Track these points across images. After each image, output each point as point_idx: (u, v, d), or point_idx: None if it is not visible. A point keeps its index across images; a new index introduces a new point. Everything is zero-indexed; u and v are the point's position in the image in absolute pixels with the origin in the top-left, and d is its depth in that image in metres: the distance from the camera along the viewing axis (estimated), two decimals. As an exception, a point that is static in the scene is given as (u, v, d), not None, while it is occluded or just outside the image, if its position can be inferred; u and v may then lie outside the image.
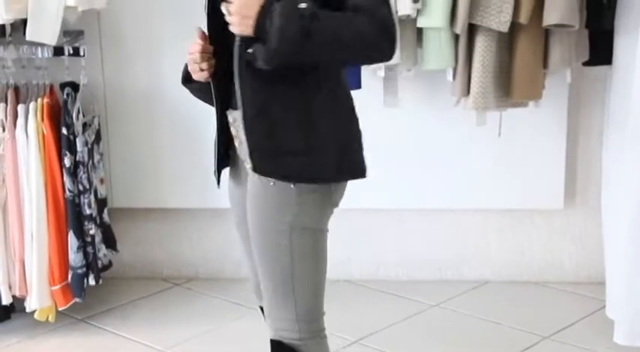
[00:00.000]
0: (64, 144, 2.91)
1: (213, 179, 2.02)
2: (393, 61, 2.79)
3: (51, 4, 2.75)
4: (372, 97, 2.99)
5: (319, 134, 1.84)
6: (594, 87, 3.18)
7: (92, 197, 3.01)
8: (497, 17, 2.72)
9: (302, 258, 1.89)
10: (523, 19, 2.72)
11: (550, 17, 2.70)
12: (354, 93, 2.73)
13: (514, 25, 2.75)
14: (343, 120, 1.90)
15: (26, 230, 2.95)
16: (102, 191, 3.15)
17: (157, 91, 3.24)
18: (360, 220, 3.34)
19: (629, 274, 2.65)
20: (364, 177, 1.92)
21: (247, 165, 1.90)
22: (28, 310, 2.99)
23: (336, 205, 1.95)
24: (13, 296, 3.00)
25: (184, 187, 3.32)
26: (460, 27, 2.75)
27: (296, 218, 1.87)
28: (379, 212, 3.35)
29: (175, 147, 3.29)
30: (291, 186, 1.85)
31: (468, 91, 2.84)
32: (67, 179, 2.92)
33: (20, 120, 2.89)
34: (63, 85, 2.98)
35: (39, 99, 2.91)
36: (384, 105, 3.03)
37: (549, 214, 3.34)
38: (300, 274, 1.90)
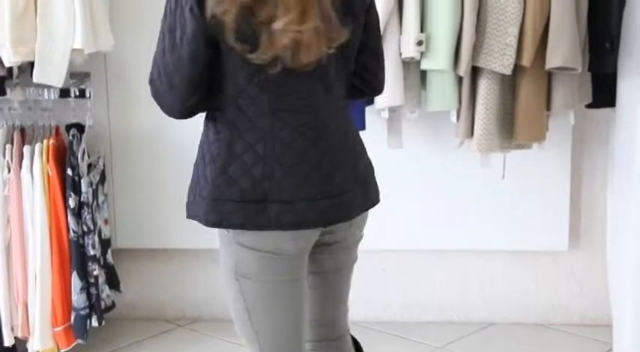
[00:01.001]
0: (68, 185, 2.92)
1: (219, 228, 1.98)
2: (397, 103, 2.82)
3: (58, 47, 2.78)
4: (376, 138, 2.97)
5: (205, 178, 1.86)
6: (598, 129, 3.19)
7: (96, 238, 3.01)
8: (501, 60, 2.73)
9: (255, 308, 1.87)
10: (526, 62, 2.73)
11: (553, 60, 2.71)
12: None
13: (517, 68, 2.77)
14: (218, 164, 1.84)
15: (30, 271, 2.94)
16: (106, 231, 3.15)
17: (161, 133, 3.25)
18: (364, 262, 3.30)
19: (637, 317, 2.63)
20: (215, 226, 1.86)
21: None
22: (30, 352, 2.98)
23: (277, 253, 1.84)
24: (16, 338, 2.99)
25: (188, 228, 3.27)
26: (464, 69, 2.76)
27: (238, 265, 1.85)
28: (384, 253, 3.34)
29: (179, 188, 3.26)
30: (225, 231, 1.86)
31: (471, 133, 2.85)
32: (71, 220, 2.93)
33: (26, 162, 2.90)
34: (69, 127, 2.99)
35: (45, 141, 2.92)
36: (388, 147, 3.03)
37: (554, 255, 3.33)
38: (258, 324, 1.88)
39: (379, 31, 2.01)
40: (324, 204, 1.83)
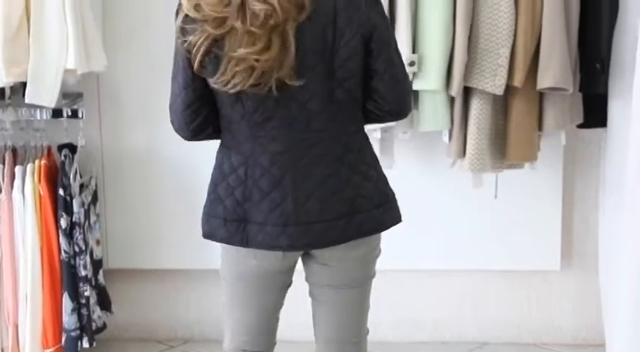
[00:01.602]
0: (60, 205, 2.91)
1: (209, 240, 2.06)
2: (389, 123, 2.82)
3: (50, 68, 2.78)
4: (369, 159, 3.00)
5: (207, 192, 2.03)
6: (589, 149, 3.20)
7: (88, 258, 2.99)
8: (492, 80, 2.75)
9: (229, 304, 2.13)
10: (517, 82, 2.75)
11: (544, 81, 2.73)
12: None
13: (509, 88, 2.78)
14: (212, 180, 2.01)
15: (20, 292, 2.93)
16: (97, 252, 3.13)
17: (154, 153, 3.25)
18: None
19: (630, 337, 2.63)
20: (206, 238, 2.03)
21: None
22: (20, 373, 2.96)
23: (250, 267, 2.02)
24: (6, 360, 2.97)
25: (180, 248, 3.31)
26: (455, 90, 2.77)
27: (222, 269, 2.10)
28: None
29: (171, 208, 3.29)
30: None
31: (464, 153, 2.86)
32: (62, 240, 2.92)
33: (17, 182, 2.89)
34: (61, 147, 2.99)
35: (36, 161, 2.92)
36: (381, 167, 3.03)
37: (546, 275, 3.33)
38: (228, 318, 2.14)
39: (392, 57, 1.97)
40: (293, 231, 1.93)
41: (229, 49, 1.82)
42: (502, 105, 2.86)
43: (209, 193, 2.01)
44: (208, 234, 2.01)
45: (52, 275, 2.93)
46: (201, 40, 1.83)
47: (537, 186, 3.19)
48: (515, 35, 2.73)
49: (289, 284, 2.13)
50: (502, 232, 3.23)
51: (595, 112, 2.87)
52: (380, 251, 2.12)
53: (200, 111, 1.96)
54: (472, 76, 2.77)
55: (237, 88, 1.84)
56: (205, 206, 2.02)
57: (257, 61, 1.80)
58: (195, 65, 1.87)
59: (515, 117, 2.82)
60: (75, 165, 2.97)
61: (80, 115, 2.99)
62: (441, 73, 2.76)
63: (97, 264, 3.12)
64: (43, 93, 2.80)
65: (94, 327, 3.05)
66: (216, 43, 1.83)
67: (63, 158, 2.96)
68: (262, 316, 2.11)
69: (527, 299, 3.36)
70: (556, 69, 2.71)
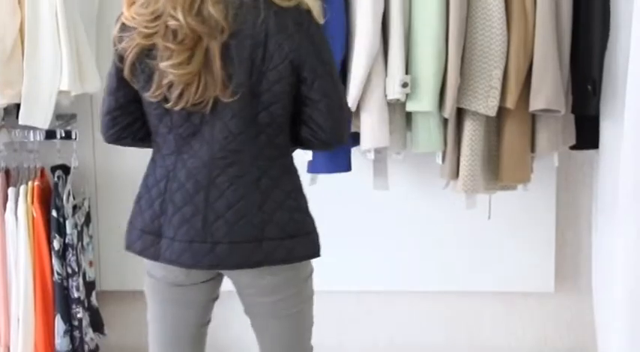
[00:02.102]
0: (53, 226, 2.91)
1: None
2: (382, 144, 2.83)
3: (44, 89, 2.79)
4: (362, 180, 3.01)
5: None
6: (582, 170, 3.21)
7: (80, 280, 2.98)
8: (485, 102, 2.76)
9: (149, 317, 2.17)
10: (510, 104, 2.76)
11: (536, 102, 2.74)
12: (343, 175, 2.76)
13: (501, 110, 2.79)
14: (138, 191, 2.05)
15: (12, 314, 2.91)
16: (90, 274, 3.12)
17: (147, 174, 3.24)
18: (350, 303, 3.31)
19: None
20: (128, 250, 2.07)
21: None
22: (12, 396, 2.94)
23: (152, 276, 2.08)
24: (-3, 382, 2.95)
25: (174, 270, 3.29)
26: (449, 111, 2.78)
27: (144, 282, 2.13)
28: (369, 294, 3.33)
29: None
30: None
31: (457, 174, 2.86)
32: (55, 262, 2.91)
33: (10, 204, 2.89)
34: (54, 168, 2.99)
35: (29, 182, 2.92)
36: (374, 188, 3.04)
37: (540, 297, 3.32)
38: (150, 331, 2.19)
39: (327, 87, 1.95)
40: (197, 248, 1.93)
41: (157, 61, 1.87)
42: (495, 126, 2.87)
43: (134, 204, 2.05)
44: (127, 245, 2.05)
45: (44, 297, 2.92)
46: (130, 48, 1.88)
47: (531, 208, 3.19)
48: (507, 57, 2.74)
49: (214, 299, 2.13)
50: (495, 253, 3.23)
51: (587, 134, 2.88)
52: (306, 280, 2.06)
53: (119, 121, 2.01)
54: (465, 97, 2.78)
55: (180, 106, 1.88)
56: (130, 217, 2.05)
57: (175, 75, 1.85)
58: (125, 71, 1.92)
59: (508, 138, 2.83)
60: (68, 186, 2.97)
61: (74, 136, 2.99)
62: (434, 94, 2.77)
63: (89, 286, 3.10)
64: (37, 115, 2.81)
65: (86, 349, 3.03)
66: (149, 53, 1.88)
67: (56, 179, 2.95)
68: (181, 331, 2.10)
69: (520, 321, 3.36)
70: (548, 90, 2.72)
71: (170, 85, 1.87)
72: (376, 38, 2.74)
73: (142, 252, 2.02)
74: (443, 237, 3.24)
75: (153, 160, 2.04)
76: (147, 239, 1.99)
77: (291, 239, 1.96)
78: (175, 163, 1.96)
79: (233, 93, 1.87)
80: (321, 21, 1.93)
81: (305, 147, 2.07)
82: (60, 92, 2.81)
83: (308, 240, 2.00)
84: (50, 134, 2.95)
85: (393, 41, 2.77)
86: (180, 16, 1.82)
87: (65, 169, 3.00)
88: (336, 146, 2.05)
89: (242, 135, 1.92)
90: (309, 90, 1.93)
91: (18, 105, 2.81)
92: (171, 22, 1.83)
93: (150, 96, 1.91)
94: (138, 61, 1.90)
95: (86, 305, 3.05)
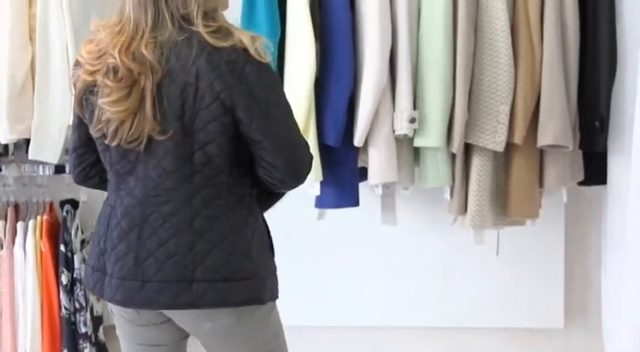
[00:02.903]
0: (61, 261, 2.91)
1: None
2: (390, 179, 2.83)
3: (54, 124, 2.81)
4: (370, 215, 3.00)
5: None
6: (591, 206, 3.20)
7: (88, 315, 2.98)
8: (493, 137, 2.76)
9: None
10: (518, 139, 2.76)
11: (544, 138, 2.74)
12: (352, 210, 2.76)
13: (509, 145, 2.79)
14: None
15: (20, 348, 2.91)
16: (98, 308, 3.11)
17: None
18: (355, 338, 3.29)
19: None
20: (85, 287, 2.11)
21: None
22: None
23: (114, 313, 2.07)
24: None
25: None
26: (456, 146, 2.78)
27: None
28: (377, 330, 3.30)
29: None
30: None
31: (465, 210, 2.86)
32: (63, 297, 2.91)
33: (19, 238, 2.90)
34: (63, 202, 3.00)
35: (38, 217, 2.93)
36: (382, 223, 3.04)
37: (550, 333, 3.29)
38: None
39: (267, 127, 1.90)
40: (129, 286, 1.91)
41: (98, 97, 1.91)
42: (503, 161, 2.87)
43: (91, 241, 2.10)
44: (84, 283, 2.10)
45: (51, 332, 2.91)
46: (78, 83, 1.94)
47: (539, 243, 3.18)
48: (514, 92, 2.75)
49: (184, 338, 2.09)
50: (504, 289, 3.22)
51: (595, 169, 2.88)
52: (259, 324, 1.98)
53: (85, 158, 2.05)
54: (473, 132, 2.78)
55: (116, 142, 1.90)
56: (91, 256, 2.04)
57: (111, 112, 1.87)
58: (75, 106, 1.97)
59: (517, 173, 2.83)
60: (77, 220, 2.97)
61: (83, 171, 3.00)
62: (442, 129, 2.78)
63: (97, 321, 3.09)
64: (47, 150, 2.82)
65: (93, 385, 3.02)
66: (92, 89, 1.92)
67: (65, 214, 2.96)
68: None
69: (530, 358, 3.33)
70: (556, 126, 2.72)
71: (107, 121, 1.89)
72: (384, 74, 2.76)
73: (92, 289, 2.01)
74: (451, 272, 3.23)
75: (106, 198, 2.04)
76: (95, 275, 1.98)
77: (226, 282, 1.88)
78: (115, 200, 1.97)
79: (164, 132, 1.87)
80: (266, 59, 1.90)
81: (265, 187, 1.98)
82: (69, 126, 2.82)
83: (247, 285, 1.91)
84: (59, 168, 2.97)
85: (400, 76, 2.78)
86: (117, 55, 1.86)
87: (74, 203, 3.01)
88: (294, 185, 1.98)
89: (176, 173, 1.90)
90: (248, 130, 1.89)
91: (28, 140, 2.83)
92: (110, 60, 1.87)
93: (93, 131, 1.94)
94: (84, 97, 1.94)
95: (93, 340, 3.04)
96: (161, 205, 1.91)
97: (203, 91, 1.85)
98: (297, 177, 1.96)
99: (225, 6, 1.98)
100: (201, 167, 1.90)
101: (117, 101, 1.87)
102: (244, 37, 1.87)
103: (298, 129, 1.98)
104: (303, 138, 1.99)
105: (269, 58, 1.91)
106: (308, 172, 1.98)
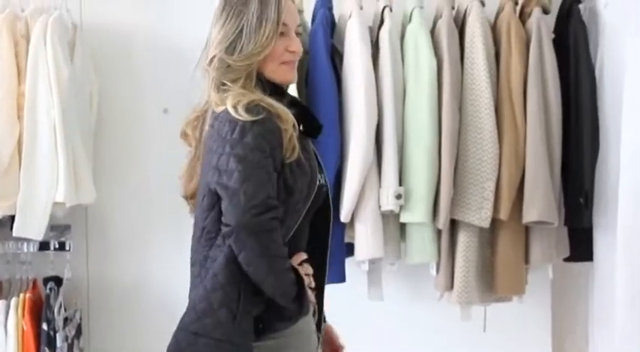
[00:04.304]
0: (43, 339, 2.86)
1: None
2: (376, 255, 2.83)
3: (39, 201, 2.79)
4: (357, 290, 2.99)
5: None
6: (577, 282, 3.20)
7: (70, 394, 2.92)
8: (478, 213, 2.77)
9: None
10: (503, 215, 2.77)
11: (529, 214, 2.75)
12: (338, 286, 2.74)
13: (495, 221, 2.81)
14: None
15: None
16: (80, 387, 3.06)
17: (141, 287, 3.22)
18: None
19: None
20: None
21: None
22: None
23: None
24: None
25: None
26: (442, 222, 2.79)
27: None
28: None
29: (158, 344, 3.23)
30: None
31: (451, 286, 2.85)
32: (45, 376, 2.85)
33: (0, 317, 2.85)
34: (46, 280, 2.96)
35: (21, 295, 2.88)
36: (369, 299, 3.02)
37: (539, 411, 3.26)
38: None
39: (211, 172, 1.88)
40: None
41: None
42: (489, 238, 2.88)
43: None
44: None
45: (32, 413, 2.84)
46: None
47: (526, 319, 3.17)
48: (499, 169, 2.77)
49: None
50: (492, 366, 3.19)
51: (581, 246, 2.89)
52: None
53: None
54: (458, 208, 2.80)
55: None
56: None
57: None
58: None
59: (502, 250, 2.83)
60: (60, 298, 2.93)
61: (67, 248, 2.97)
62: (428, 205, 2.79)
63: (78, 400, 3.03)
64: (32, 226, 2.80)
65: None
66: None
67: (48, 291, 2.92)
68: None
69: None
70: (541, 203, 2.74)
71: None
72: (370, 150, 2.78)
73: None
74: (438, 348, 3.20)
75: None
76: None
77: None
78: None
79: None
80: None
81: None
82: (55, 203, 2.82)
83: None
84: (44, 245, 2.93)
85: (386, 153, 2.81)
86: None
87: (58, 281, 2.97)
88: (230, 234, 1.86)
89: (202, 224, 2.01)
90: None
91: (12, 217, 2.81)
92: None
93: None
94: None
95: None
96: (192, 266, 2.06)
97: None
98: (236, 227, 1.86)
99: None
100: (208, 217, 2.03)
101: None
102: None
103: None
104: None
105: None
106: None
